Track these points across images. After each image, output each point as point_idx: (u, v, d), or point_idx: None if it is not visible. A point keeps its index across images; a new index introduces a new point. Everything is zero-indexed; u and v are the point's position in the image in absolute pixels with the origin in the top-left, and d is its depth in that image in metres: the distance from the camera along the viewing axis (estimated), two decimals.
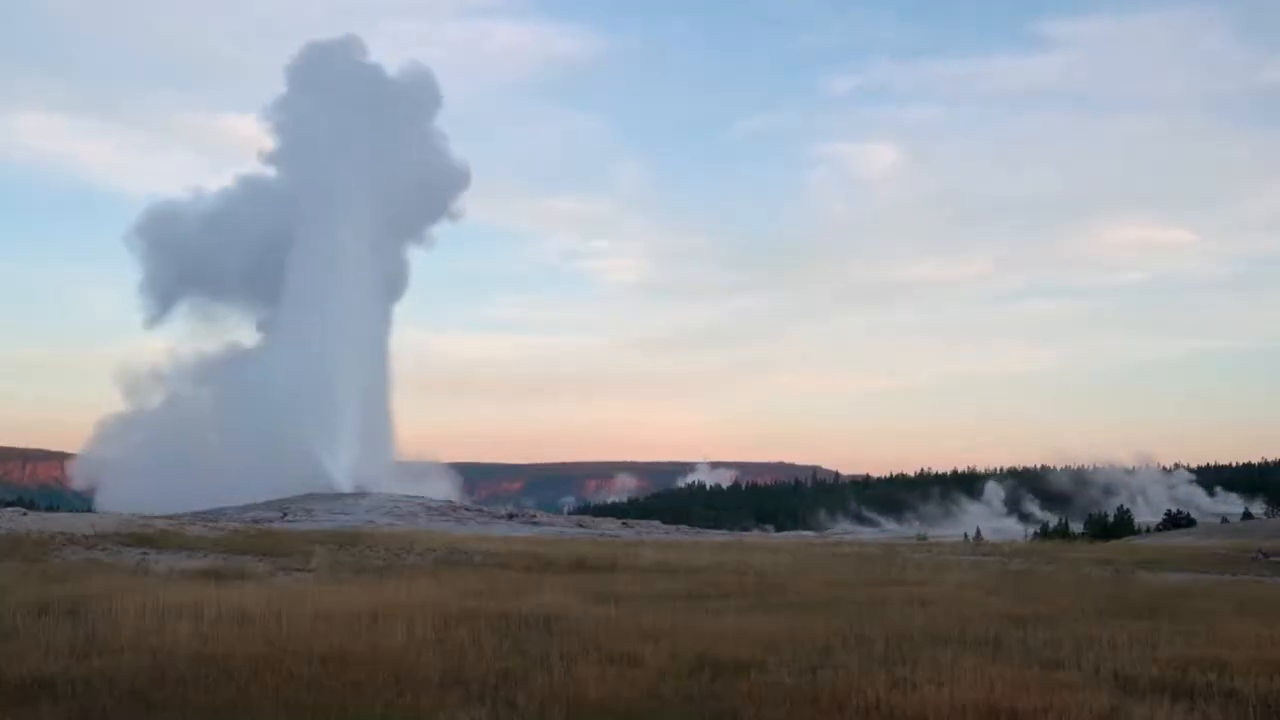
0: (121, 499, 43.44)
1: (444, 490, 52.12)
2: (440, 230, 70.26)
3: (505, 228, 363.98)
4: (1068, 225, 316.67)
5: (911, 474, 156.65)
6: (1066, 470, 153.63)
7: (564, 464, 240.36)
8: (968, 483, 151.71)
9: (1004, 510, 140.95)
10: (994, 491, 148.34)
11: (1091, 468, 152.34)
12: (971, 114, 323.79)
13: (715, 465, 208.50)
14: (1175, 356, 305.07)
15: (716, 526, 77.53)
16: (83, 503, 63.00)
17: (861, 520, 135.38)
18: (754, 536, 46.15)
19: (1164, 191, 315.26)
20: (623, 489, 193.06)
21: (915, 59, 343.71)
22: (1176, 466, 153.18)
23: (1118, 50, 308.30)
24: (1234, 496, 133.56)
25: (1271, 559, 23.47)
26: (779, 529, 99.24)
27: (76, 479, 72.36)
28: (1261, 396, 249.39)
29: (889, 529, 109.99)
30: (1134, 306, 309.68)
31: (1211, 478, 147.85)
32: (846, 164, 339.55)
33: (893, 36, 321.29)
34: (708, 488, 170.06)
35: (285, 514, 32.27)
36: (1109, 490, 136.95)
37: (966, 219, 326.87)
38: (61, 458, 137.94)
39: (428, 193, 64.12)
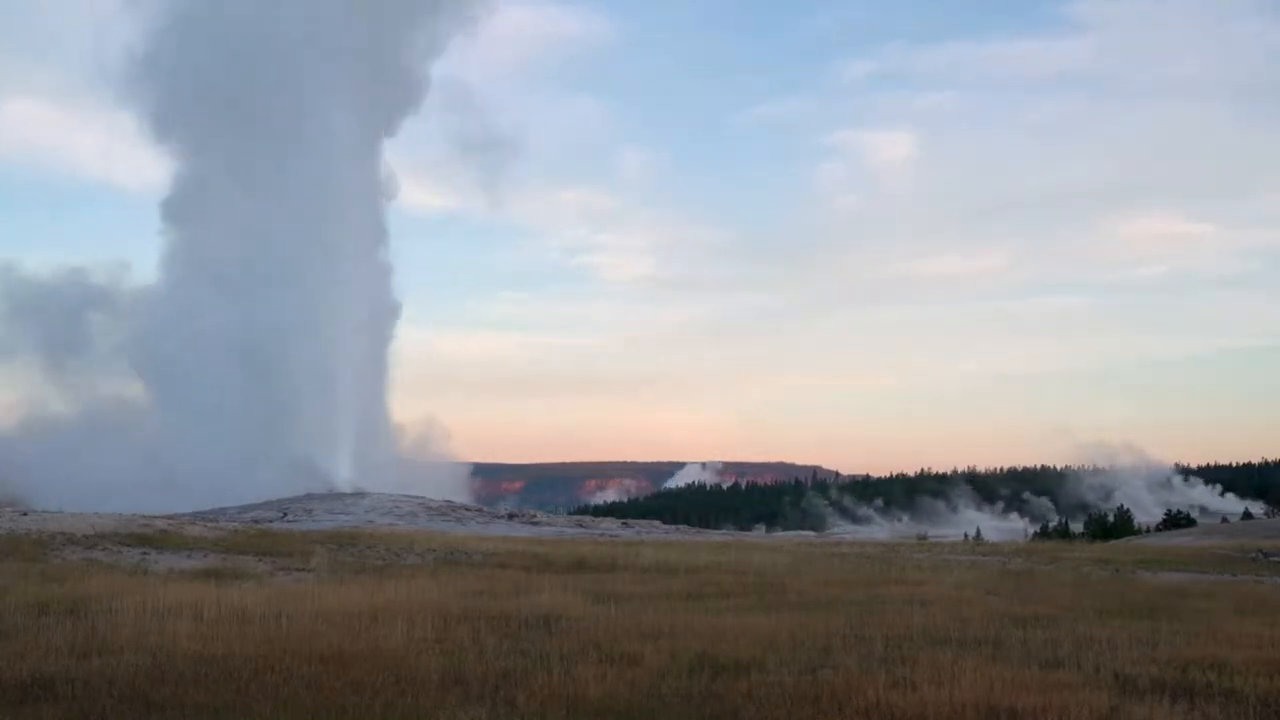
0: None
1: (448, 488, 50.52)
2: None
3: (507, 221, 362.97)
4: (1084, 218, 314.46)
5: (911, 474, 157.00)
6: (1067, 470, 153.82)
7: (564, 464, 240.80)
8: (968, 483, 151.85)
9: (1004, 510, 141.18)
10: (994, 491, 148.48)
11: (1092, 467, 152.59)
12: (988, 101, 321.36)
13: (715, 465, 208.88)
14: (1187, 354, 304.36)
15: (717, 526, 77.74)
16: None
17: (862, 520, 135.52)
18: (754, 536, 46.08)
19: (1185, 183, 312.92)
20: (622, 489, 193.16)
21: (932, 43, 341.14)
22: (1178, 466, 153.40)
23: (1140, 35, 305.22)
24: (1234, 496, 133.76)
25: (1271, 559, 23.47)
26: (779, 529, 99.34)
27: None
28: (1265, 395, 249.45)
29: (889, 529, 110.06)
30: (1149, 303, 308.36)
31: (1212, 477, 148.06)
32: (859, 154, 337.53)
33: (909, 19, 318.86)
34: (708, 487, 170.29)
35: (285, 514, 32.18)
36: (1109, 490, 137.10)
37: (980, 212, 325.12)
38: None
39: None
